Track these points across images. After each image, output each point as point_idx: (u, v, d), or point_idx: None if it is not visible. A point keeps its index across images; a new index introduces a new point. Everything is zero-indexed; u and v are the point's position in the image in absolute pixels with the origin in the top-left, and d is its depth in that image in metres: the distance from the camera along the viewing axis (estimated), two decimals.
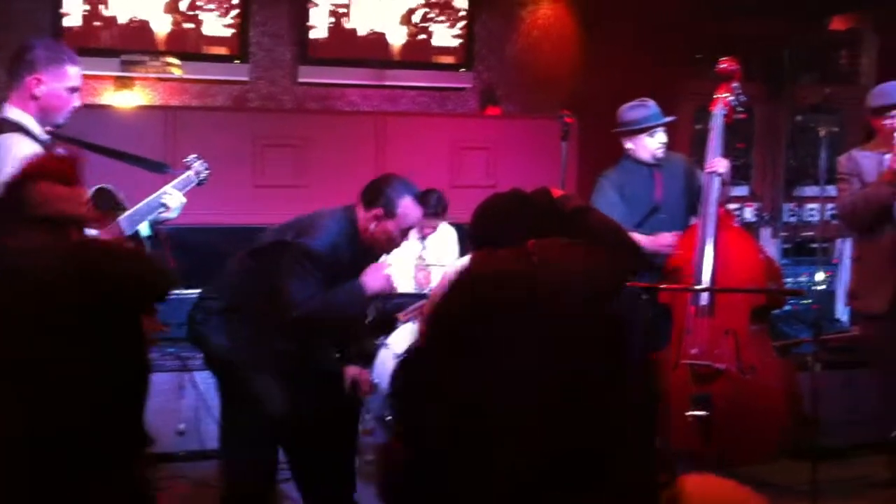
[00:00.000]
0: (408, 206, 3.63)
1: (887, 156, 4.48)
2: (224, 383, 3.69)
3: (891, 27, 6.63)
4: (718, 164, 4.61)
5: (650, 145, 4.74)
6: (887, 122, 4.52)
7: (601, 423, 0.90)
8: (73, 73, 3.46)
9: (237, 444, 3.57)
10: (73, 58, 3.50)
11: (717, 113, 4.69)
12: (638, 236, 4.60)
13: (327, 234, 3.59)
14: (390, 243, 3.66)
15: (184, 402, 4.96)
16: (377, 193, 3.61)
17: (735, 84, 4.71)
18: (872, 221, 4.62)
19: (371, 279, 3.52)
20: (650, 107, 4.77)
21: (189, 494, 4.63)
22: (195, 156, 3.95)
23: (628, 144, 4.79)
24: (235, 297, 3.62)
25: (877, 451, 4.90)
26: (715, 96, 4.74)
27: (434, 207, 5.36)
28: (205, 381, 4.80)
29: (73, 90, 3.46)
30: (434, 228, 5.51)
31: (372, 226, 3.60)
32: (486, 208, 2.68)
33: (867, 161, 4.64)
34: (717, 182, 4.61)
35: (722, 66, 4.77)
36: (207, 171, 3.96)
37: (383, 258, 3.68)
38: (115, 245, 3.04)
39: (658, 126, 4.74)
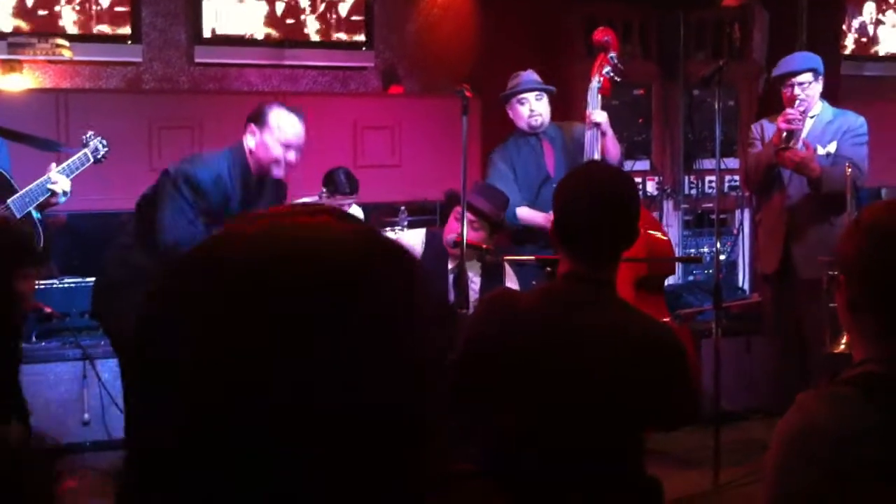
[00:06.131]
0: (280, 116, 3.62)
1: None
2: (125, 360, 3.65)
3: (779, 2, 6.81)
4: (595, 115, 4.58)
5: (523, 113, 4.74)
6: (787, 89, 4.67)
7: None
8: None
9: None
10: None
11: (593, 85, 4.69)
12: (537, 215, 4.62)
13: (209, 162, 3.58)
14: (275, 162, 3.62)
15: (87, 391, 4.85)
16: (251, 113, 3.64)
17: (612, 54, 4.71)
18: (763, 182, 4.77)
19: None
20: (523, 75, 4.78)
21: (96, 485, 4.54)
22: (91, 133, 3.86)
23: (510, 114, 4.81)
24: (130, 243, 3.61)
25: (774, 415, 5.05)
26: (595, 67, 4.74)
27: (344, 185, 5.30)
28: (108, 369, 4.75)
29: None
30: (347, 207, 5.44)
31: (251, 145, 3.60)
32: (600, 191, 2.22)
33: (771, 128, 4.79)
34: (596, 134, 4.63)
35: (596, 36, 4.78)
36: (106, 149, 3.87)
37: None
38: None
39: (523, 92, 4.73)
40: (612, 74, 4.64)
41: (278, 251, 0.69)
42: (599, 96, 4.64)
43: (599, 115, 4.60)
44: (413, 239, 4.23)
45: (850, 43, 7.41)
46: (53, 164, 3.64)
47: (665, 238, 4.81)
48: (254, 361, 0.65)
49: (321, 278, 0.68)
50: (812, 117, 4.71)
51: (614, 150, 4.74)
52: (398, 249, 0.73)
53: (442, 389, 0.71)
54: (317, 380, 0.65)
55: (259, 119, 3.58)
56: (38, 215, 3.61)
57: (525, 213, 4.62)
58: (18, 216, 3.50)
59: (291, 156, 3.61)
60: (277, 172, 3.63)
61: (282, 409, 0.65)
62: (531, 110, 4.71)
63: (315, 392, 0.65)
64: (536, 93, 4.72)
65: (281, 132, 3.59)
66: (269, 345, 0.65)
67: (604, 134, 4.62)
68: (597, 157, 4.61)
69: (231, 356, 0.66)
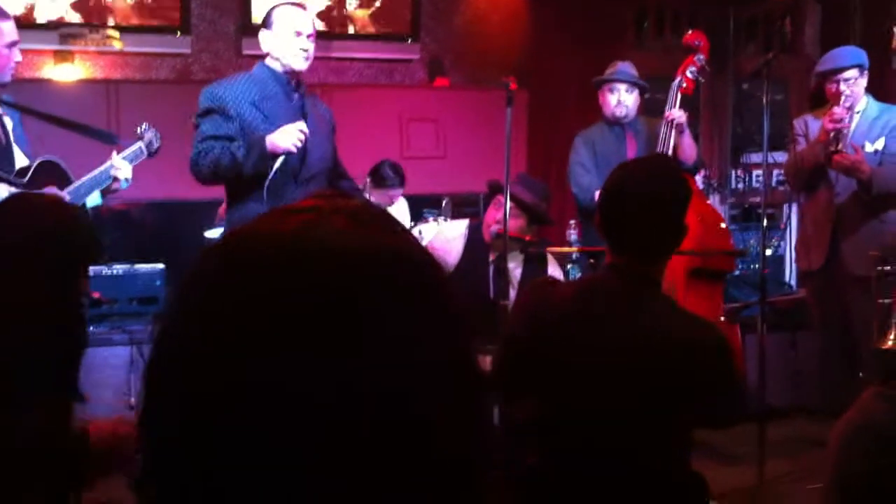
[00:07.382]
0: (282, 10, 3.68)
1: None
2: None
3: None
4: (673, 113, 4.58)
5: (611, 101, 4.79)
6: (832, 85, 4.61)
7: None
8: (8, 28, 3.46)
9: None
10: (5, 13, 3.51)
11: (675, 84, 4.68)
12: None
13: (235, 76, 3.70)
14: (293, 55, 3.63)
15: (134, 376, 4.92)
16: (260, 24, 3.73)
17: (700, 56, 4.70)
18: (810, 180, 4.71)
19: (277, 135, 3.47)
20: (619, 65, 4.86)
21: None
22: (146, 125, 3.90)
23: (600, 100, 4.87)
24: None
25: (819, 411, 4.99)
26: (681, 67, 4.73)
27: (392, 179, 5.31)
28: None
29: (12, 45, 3.46)
30: (391, 200, 5.43)
31: (268, 48, 3.65)
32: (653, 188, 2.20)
33: (815, 124, 4.72)
34: (669, 131, 4.60)
35: (688, 38, 4.78)
36: (160, 143, 3.92)
37: (301, 124, 3.56)
38: None
39: (615, 82, 4.77)
40: (697, 76, 4.64)
41: (283, 250, 0.69)
42: (680, 95, 4.64)
43: (677, 114, 4.60)
44: (455, 230, 4.25)
45: None
46: (115, 152, 3.70)
47: (723, 233, 4.68)
48: (253, 356, 0.66)
49: (323, 279, 0.68)
50: (857, 113, 4.64)
51: (690, 150, 4.69)
52: (411, 256, 0.73)
53: (447, 391, 0.71)
54: (314, 379, 0.66)
55: (266, 22, 3.68)
56: (101, 201, 3.66)
57: None
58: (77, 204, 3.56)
59: (305, 43, 3.64)
60: (299, 64, 3.65)
61: (280, 406, 0.65)
62: (619, 101, 4.77)
63: (313, 391, 0.66)
64: (627, 85, 4.74)
65: (288, 22, 3.64)
66: (267, 341, 0.66)
67: (680, 132, 4.60)
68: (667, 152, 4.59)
69: (230, 350, 0.66)
